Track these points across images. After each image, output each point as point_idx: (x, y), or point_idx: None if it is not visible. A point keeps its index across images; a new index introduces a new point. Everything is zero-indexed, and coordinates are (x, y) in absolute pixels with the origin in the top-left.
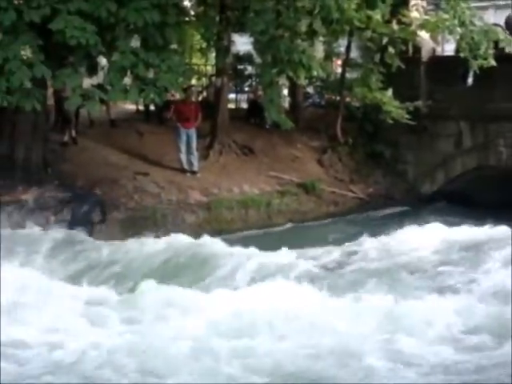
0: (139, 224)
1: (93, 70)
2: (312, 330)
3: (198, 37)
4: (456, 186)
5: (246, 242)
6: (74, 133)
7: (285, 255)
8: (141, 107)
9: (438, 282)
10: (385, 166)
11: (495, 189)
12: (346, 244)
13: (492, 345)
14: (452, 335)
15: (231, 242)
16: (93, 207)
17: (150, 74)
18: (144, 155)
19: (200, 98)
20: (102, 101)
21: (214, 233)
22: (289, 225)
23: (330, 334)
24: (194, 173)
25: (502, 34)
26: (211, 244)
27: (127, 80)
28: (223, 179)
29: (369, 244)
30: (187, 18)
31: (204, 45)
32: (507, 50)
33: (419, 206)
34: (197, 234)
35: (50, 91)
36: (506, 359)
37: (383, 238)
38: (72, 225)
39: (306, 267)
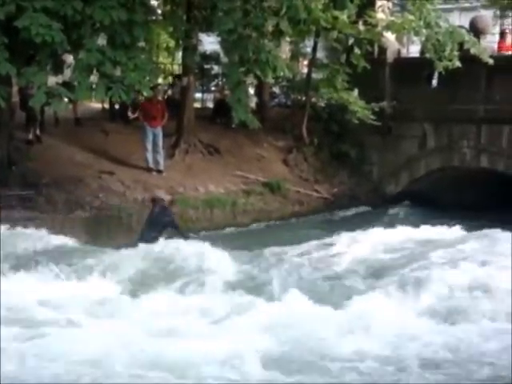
0: (104, 223)
1: (58, 67)
2: None
3: (164, 36)
4: (420, 187)
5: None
6: (38, 131)
7: None
8: (106, 106)
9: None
10: (350, 167)
11: (458, 190)
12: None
13: None
14: None
15: None
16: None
17: (117, 72)
18: (109, 154)
19: (165, 97)
20: (70, 100)
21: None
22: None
23: None
24: (159, 172)
25: (466, 36)
26: None
27: (93, 78)
28: (189, 178)
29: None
30: (154, 17)
31: (171, 43)
32: (472, 51)
33: (383, 206)
34: None
35: (15, 89)
36: None
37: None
38: None
39: None
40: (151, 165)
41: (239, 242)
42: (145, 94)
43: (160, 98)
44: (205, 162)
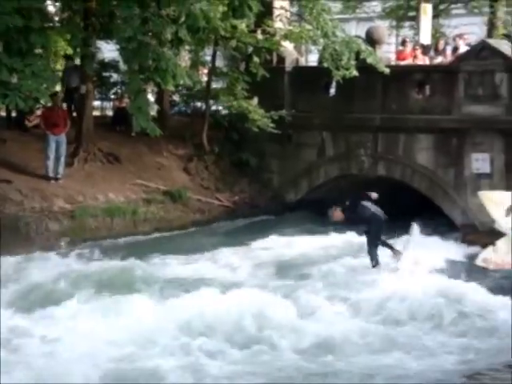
0: (1, 232)
1: None
2: None
3: (62, 43)
4: (319, 195)
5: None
6: None
7: None
8: (3, 113)
9: None
10: (250, 175)
11: None
12: None
13: None
14: None
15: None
16: None
17: (14, 80)
18: (7, 162)
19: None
20: None
21: (79, 241)
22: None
23: None
24: (57, 180)
25: (363, 45)
26: None
27: None
28: (88, 187)
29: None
30: (52, 24)
31: (68, 51)
32: (368, 61)
33: (283, 214)
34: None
35: None
36: None
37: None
38: None
39: None
40: (50, 173)
41: (139, 250)
42: (42, 101)
43: (60, 105)
44: (104, 171)
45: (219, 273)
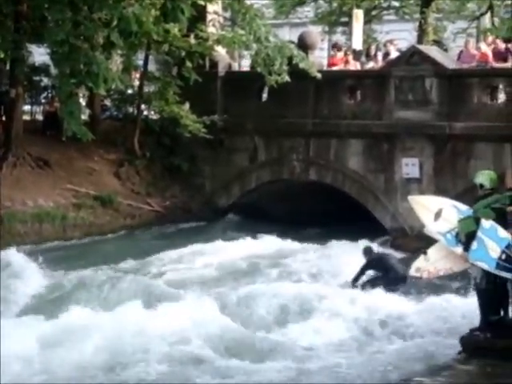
0: None
1: None
2: None
3: None
4: (252, 199)
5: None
6: None
7: None
8: None
9: None
10: (182, 180)
11: (289, 202)
12: None
13: None
14: None
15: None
16: None
17: None
18: None
19: None
20: None
21: (7, 246)
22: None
23: None
24: None
25: (295, 51)
26: None
27: None
28: (17, 192)
29: None
30: None
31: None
32: (300, 66)
33: (215, 218)
34: None
35: None
36: None
37: None
38: None
39: None
40: None
41: (67, 256)
42: None
43: None
44: (34, 176)
45: None
